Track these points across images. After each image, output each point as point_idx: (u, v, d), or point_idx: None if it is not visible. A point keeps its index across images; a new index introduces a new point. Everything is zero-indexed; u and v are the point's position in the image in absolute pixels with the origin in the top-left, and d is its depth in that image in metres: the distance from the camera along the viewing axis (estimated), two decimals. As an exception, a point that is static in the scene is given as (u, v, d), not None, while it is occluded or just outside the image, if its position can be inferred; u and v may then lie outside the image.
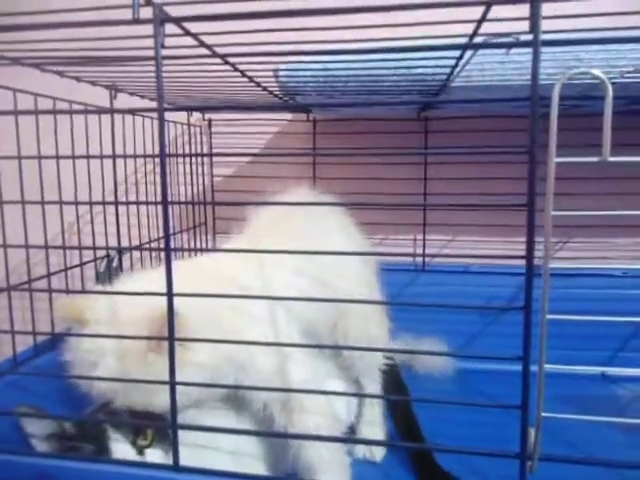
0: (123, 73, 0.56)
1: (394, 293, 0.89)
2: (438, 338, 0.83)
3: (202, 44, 0.41)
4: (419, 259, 0.97)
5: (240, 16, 0.33)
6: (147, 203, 0.83)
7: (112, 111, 0.74)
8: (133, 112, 0.78)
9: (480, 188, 0.92)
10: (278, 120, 1.01)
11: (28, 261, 0.58)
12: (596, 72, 0.27)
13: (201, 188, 1.05)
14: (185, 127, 1.01)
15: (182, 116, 0.97)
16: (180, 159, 1.02)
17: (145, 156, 0.97)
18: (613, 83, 0.50)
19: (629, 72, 0.55)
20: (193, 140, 1.04)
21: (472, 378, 0.83)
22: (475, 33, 0.38)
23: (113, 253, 0.71)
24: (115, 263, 0.71)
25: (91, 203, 0.67)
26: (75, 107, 0.68)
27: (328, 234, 0.60)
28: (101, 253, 0.69)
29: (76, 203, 0.59)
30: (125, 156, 0.80)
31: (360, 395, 0.63)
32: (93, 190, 0.71)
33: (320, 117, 0.99)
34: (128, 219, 0.76)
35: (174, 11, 0.34)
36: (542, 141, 0.27)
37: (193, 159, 1.01)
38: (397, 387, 0.66)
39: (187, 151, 1.04)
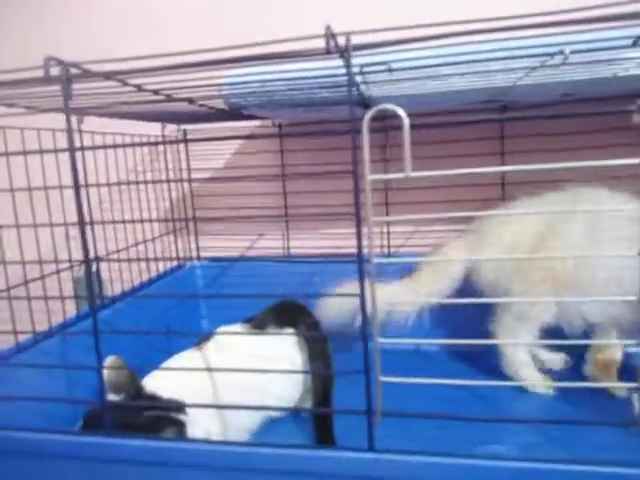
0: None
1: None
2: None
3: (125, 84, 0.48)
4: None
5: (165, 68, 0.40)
6: (114, 222, 0.91)
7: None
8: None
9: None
10: (247, 127, 1.09)
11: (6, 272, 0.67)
12: (391, 107, 0.33)
13: (181, 194, 1.13)
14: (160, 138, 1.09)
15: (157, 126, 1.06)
16: (162, 165, 1.11)
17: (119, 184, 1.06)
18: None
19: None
20: (170, 149, 1.12)
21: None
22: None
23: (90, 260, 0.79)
24: (93, 269, 0.80)
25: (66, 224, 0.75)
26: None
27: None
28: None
29: (50, 225, 0.68)
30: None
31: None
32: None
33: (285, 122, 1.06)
34: (104, 232, 0.85)
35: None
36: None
37: (172, 164, 1.10)
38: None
39: (167, 159, 1.12)
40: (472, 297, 0.74)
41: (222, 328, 0.73)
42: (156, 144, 1.04)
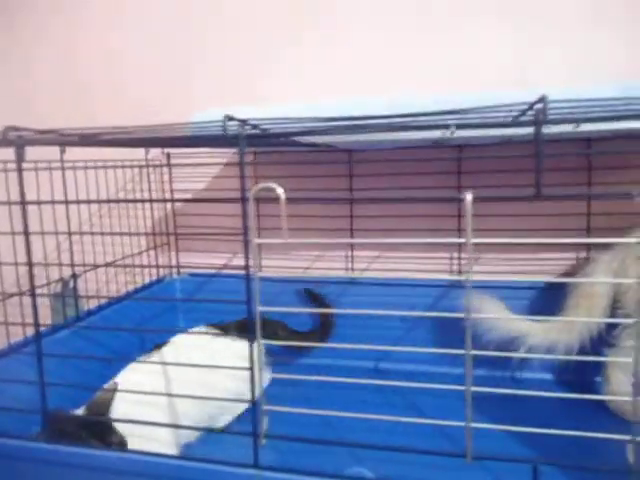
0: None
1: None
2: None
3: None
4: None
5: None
6: (92, 233, 0.99)
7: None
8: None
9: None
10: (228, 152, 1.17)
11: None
12: (273, 185, 0.40)
13: (162, 213, 1.22)
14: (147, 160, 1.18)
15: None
16: (145, 185, 1.19)
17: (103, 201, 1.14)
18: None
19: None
20: (154, 171, 1.20)
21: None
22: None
23: (67, 276, 0.88)
24: (71, 285, 0.88)
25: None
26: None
27: None
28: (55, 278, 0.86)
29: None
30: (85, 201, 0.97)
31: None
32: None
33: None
34: (82, 246, 0.94)
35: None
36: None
37: (154, 185, 1.18)
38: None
39: (149, 179, 1.20)
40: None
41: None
42: (112, 167, 1.12)
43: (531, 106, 0.39)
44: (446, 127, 0.52)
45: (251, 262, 0.44)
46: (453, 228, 1.04)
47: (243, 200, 0.42)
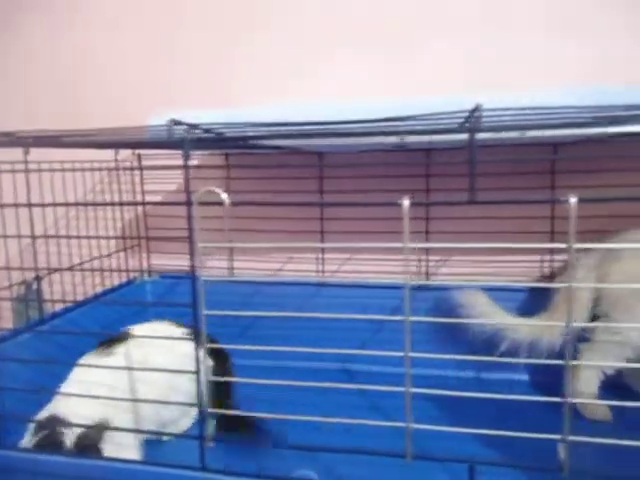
0: None
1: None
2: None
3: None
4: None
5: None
6: (58, 237, 0.98)
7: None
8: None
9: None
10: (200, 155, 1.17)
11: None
12: (216, 190, 0.41)
13: (133, 215, 1.21)
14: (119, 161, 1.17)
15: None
16: (115, 185, 1.19)
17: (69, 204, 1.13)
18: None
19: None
20: (124, 173, 1.19)
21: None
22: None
23: (30, 279, 0.87)
24: (34, 287, 0.87)
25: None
26: None
27: None
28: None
29: None
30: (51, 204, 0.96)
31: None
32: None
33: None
34: (47, 248, 0.93)
35: None
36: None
37: (125, 185, 1.18)
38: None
39: (119, 181, 1.19)
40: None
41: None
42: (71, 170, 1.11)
43: (472, 113, 0.40)
44: (386, 134, 0.53)
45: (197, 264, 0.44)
46: (422, 230, 1.06)
47: (188, 204, 0.42)
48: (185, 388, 0.72)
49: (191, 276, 0.43)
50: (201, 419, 0.44)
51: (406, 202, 0.38)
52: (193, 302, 0.44)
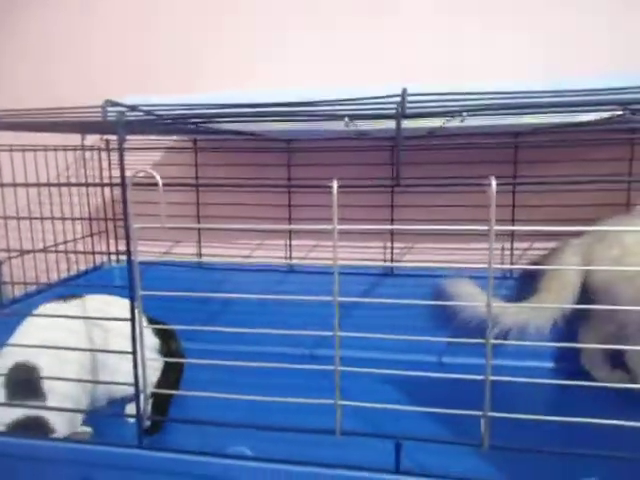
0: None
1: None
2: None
3: None
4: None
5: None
6: (19, 218, 0.98)
7: None
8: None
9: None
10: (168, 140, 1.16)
11: None
12: (150, 172, 0.41)
13: (100, 200, 1.20)
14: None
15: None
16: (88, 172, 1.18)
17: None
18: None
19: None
20: (91, 157, 1.18)
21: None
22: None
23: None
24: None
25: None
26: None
27: None
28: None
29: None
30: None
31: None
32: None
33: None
34: (7, 232, 0.92)
35: None
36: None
37: (91, 172, 1.17)
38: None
39: (86, 167, 1.19)
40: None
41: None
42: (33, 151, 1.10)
43: (403, 99, 0.41)
44: (330, 118, 0.53)
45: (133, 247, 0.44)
46: (387, 218, 1.07)
47: (123, 186, 0.42)
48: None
49: (127, 258, 0.44)
50: (137, 398, 0.45)
51: (335, 185, 0.39)
52: (130, 284, 0.44)
